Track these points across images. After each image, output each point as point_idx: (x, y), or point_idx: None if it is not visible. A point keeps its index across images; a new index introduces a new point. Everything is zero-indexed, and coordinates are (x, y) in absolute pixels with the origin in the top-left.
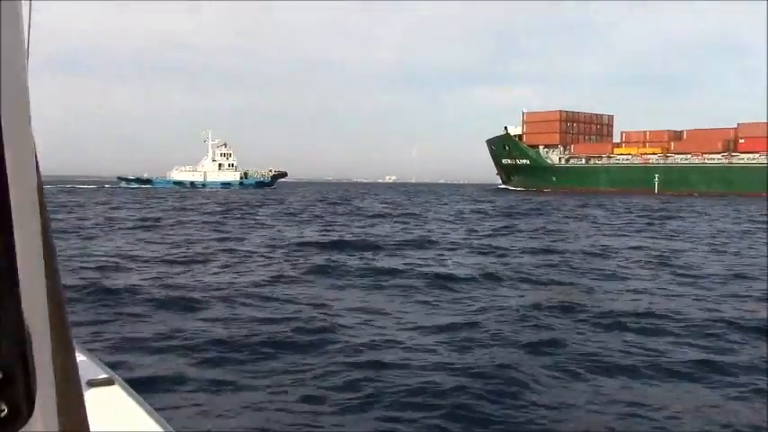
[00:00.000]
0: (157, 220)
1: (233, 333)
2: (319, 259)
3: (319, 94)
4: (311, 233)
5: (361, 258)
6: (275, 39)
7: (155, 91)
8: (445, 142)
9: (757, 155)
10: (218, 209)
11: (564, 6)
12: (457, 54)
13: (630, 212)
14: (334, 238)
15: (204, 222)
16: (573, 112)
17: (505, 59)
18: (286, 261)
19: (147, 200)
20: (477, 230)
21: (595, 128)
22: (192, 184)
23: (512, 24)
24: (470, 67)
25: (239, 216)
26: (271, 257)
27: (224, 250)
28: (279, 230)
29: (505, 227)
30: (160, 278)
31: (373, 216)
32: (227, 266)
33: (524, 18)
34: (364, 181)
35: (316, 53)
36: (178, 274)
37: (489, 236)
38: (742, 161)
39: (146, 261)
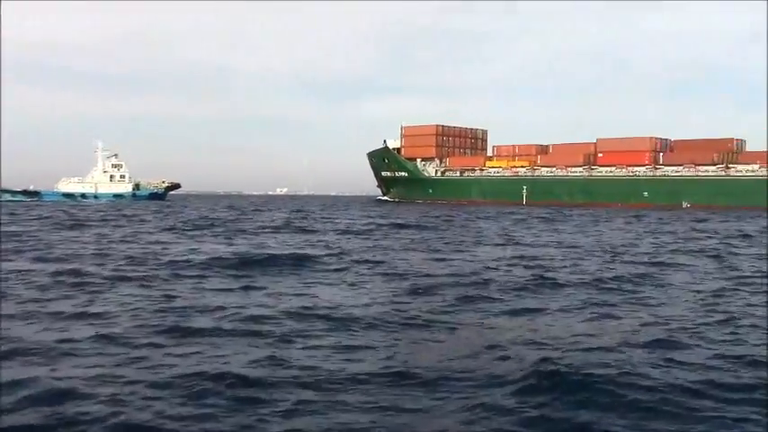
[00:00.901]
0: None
1: None
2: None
3: (211, 103)
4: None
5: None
6: (166, 43)
7: (37, 97)
8: (336, 154)
9: (615, 168)
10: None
11: (453, 19)
12: (349, 64)
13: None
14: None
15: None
16: (448, 127)
17: (396, 70)
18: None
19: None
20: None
21: (470, 141)
22: (83, 195)
23: (404, 37)
24: (362, 78)
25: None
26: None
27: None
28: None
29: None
30: None
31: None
32: None
33: (416, 31)
34: (256, 193)
35: (204, 59)
36: None
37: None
38: (601, 174)
39: None
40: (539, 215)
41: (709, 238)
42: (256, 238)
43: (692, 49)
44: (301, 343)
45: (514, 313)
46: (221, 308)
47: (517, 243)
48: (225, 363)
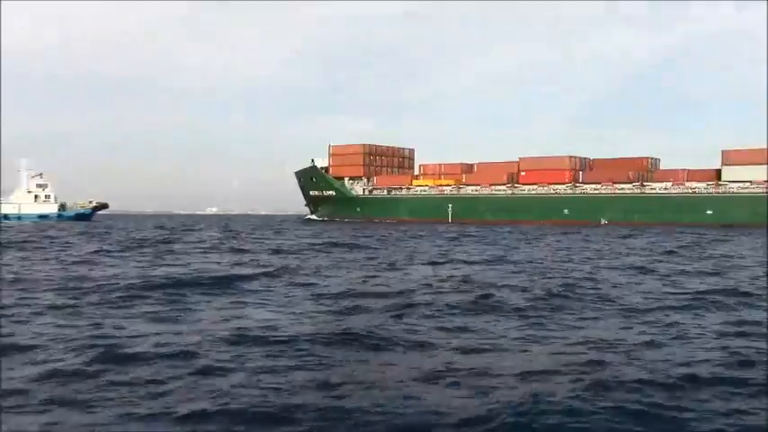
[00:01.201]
0: None
1: None
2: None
3: (136, 119)
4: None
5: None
6: (88, 57)
7: None
8: (266, 173)
9: (537, 186)
10: None
11: (384, 39)
12: (278, 83)
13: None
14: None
15: None
16: (376, 146)
17: (326, 90)
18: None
19: None
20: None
21: (397, 160)
22: (6, 217)
23: (333, 56)
24: (291, 97)
25: None
26: None
27: None
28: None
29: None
30: None
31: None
32: None
33: (347, 51)
34: (185, 213)
35: (129, 73)
36: None
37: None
38: (523, 192)
39: None
40: (469, 233)
41: (648, 254)
42: (187, 258)
43: (611, 71)
44: (235, 368)
45: (450, 331)
46: (152, 334)
47: (452, 260)
48: (159, 396)
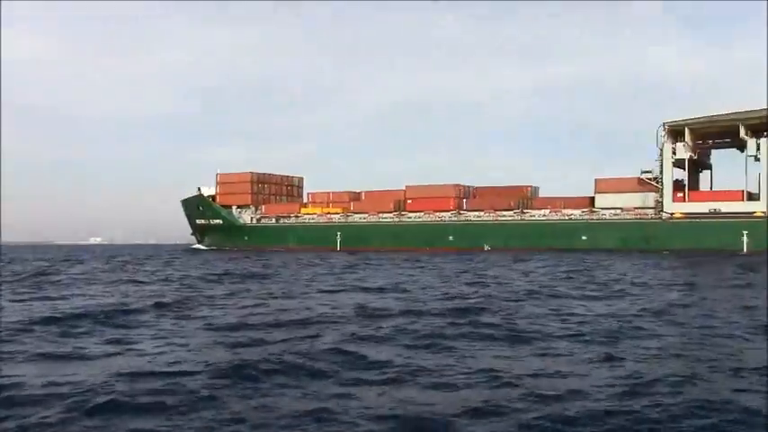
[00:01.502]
0: None
1: None
2: None
3: (16, 146)
4: None
5: None
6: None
7: None
8: (152, 201)
9: (423, 213)
10: None
11: (274, 68)
12: (165, 110)
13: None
14: None
15: None
16: (264, 174)
17: (214, 118)
18: None
19: None
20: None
21: (286, 189)
22: None
23: (223, 83)
24: (179, 124)
25: None
26: None
27: None
28: None
29: None
30: None
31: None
32: None
33: (236, 78)
34: (68, 243)
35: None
36: None
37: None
38: (410, 219)
39: None
40: (366, 260)
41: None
42: (66, 291)
43: (496, 102)
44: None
45: (350, 359)
46: (33, 376)
47: (348, 288)
48: None
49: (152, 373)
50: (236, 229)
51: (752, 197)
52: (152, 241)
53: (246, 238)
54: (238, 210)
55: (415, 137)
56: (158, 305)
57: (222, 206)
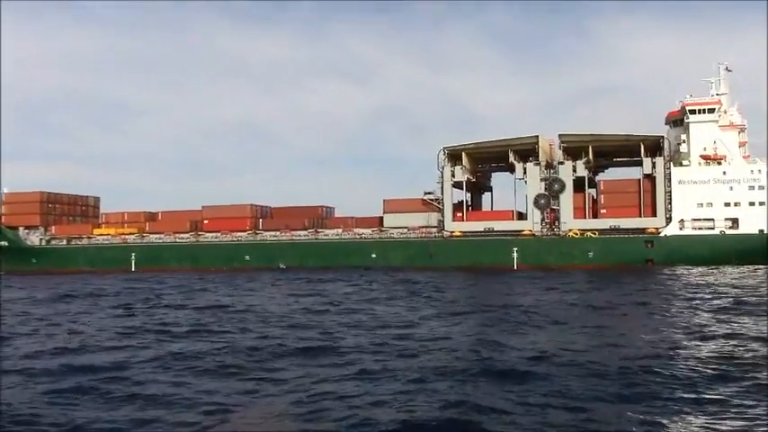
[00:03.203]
0: None
1: None
2: None
3: None
4: None
5: None
6: None
7: None
8: None
9: (220, 233)
10: None
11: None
12: None
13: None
14: None
15: None
16: (55, 194)
17: (28, 135)
18: None
19: None
20: None
21: (80, 209)
22: None
23: (38, 99)
24: None
25: None
26: None
27: None
28: None
29: None
30: None
31: None
32: None
33: (43, 95)
34: None
35: None
36: None
37: None
38: (207, 239)
39: None
40: (171, 283)
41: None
42: None
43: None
44: None
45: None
46: None
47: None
48: None
49: None
50: (22, 252)
51: (521, 216)
52: None
53: (34, 260)
54: (26, 231)
55: (217, 160)
56: None
57: (8, 227)
